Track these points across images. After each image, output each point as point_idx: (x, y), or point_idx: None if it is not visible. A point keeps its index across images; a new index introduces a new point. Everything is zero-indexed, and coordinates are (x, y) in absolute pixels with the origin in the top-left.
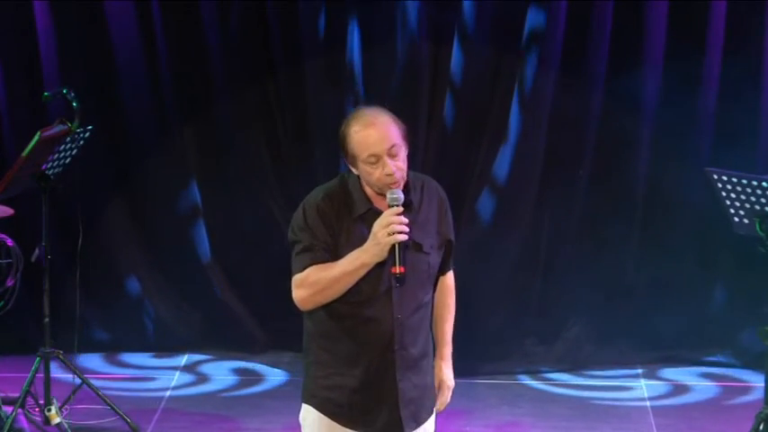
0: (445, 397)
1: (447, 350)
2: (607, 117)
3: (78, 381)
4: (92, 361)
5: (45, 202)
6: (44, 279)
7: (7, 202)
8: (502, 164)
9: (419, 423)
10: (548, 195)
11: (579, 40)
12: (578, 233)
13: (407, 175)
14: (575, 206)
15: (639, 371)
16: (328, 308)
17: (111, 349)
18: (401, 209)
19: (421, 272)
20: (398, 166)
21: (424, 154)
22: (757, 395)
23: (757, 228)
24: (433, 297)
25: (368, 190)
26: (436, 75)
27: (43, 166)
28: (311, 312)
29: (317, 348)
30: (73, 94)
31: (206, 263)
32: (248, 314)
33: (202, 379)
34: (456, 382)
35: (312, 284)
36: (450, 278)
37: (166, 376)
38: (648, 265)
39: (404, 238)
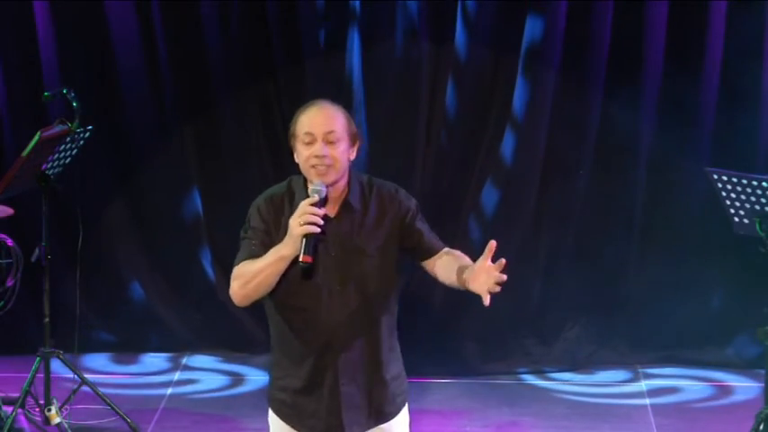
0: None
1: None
2: (607, 117)
3: (78, 381)
4: (92, 361)
5: (45, 202)
6: (44, 279)
7: (7, 202)
8: (502, 165)
9: (364, 428)
10: (548, 195)
11: (579, 40)
12: (578, 233)
13: (350, 177)
14: (575, 206)
15: (639, 371)
16: (281, 310)
17: (111, 349)
18: (316, 199)
19: (366, 275)
20: (332, 154)
21: (424, 153)
22: (757, 395)
23: (757, 228)
24: (395, 302)
25: (311, 187)
26: (437, 73)
27: (43, 166)
28: (270, 316)
29: (276, 351)
30: (73, 94)
31: (206, 263)
32: (248, 314)
33: (203, 379)
34: (456, 382)
35: (239, 277)
36: (450, 250)
37: (166, 376)
38: (648, 265)
39: (315, 230)
